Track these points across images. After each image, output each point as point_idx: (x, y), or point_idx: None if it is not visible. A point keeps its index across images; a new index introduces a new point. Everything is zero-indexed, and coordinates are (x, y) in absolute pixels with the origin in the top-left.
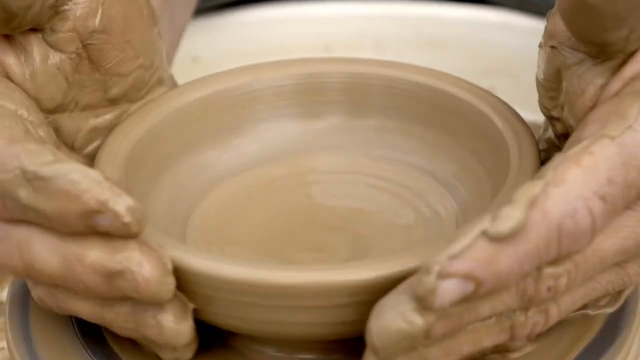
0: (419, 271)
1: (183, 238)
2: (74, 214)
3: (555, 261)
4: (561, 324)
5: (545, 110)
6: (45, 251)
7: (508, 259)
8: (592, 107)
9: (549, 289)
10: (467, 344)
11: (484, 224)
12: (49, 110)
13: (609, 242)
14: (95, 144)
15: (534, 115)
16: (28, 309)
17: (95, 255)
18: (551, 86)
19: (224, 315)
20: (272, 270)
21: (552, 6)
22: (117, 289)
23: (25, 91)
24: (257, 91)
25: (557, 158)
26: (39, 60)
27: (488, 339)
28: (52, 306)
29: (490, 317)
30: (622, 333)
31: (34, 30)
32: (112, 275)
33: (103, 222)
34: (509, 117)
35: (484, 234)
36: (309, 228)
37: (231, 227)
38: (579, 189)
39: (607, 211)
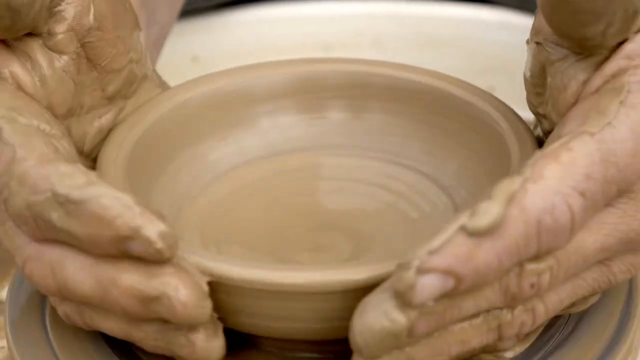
0: (399, 267)
1: (182, 236)
2: (106, 238)
3: (536, 257)
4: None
5: (532, 107)
6: (79, 272)
7: (487, 254)
8: (574, 103)
9: (532, 285)
10: (455, 344)
11: (463, 219)
12: (62, 116)
13: (591, 239)
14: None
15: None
16: (29, 308)
17: (130, 279)
18: (537, 82)
19: (253, 322)
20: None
21: None
22: (153, 313)
23: (38, 99)
24: (257, 91)
25: (537, 155)
26: (46, 65)
27: (476, 339)
28: (79, 323)
29: (474, 314)
30: (622, 332)
31: (32, 36)
32: (149, 300)
33: (135, 247)
34: (509, 116)
35: (463, 229)
36: (309, 227)
37: (231, 226)
38: (558, 185)
39: (586, 207)
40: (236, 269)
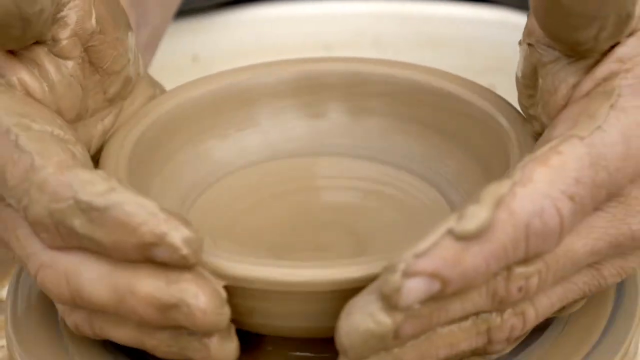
0: (386, 270)
1: None
2: (130, 245)
3: (525, 261)
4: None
5: (524, 108)
6: (94, 280)
7: (474, 257)
8: (564, 106)
9: (519, 289)
10: (444, 347)
11: (450, 222)
12: (71, 121)
13: (580, 243)
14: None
15: None
16: (28, 307)
17: (149, 286)
18: (528, 84)
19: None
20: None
21: None
22: (171, 320)
23: (47, 105)
24: (257, 90)
25: (526, 158)
26: (53, 71)
27: (465, 343)
28: (88, 333)
29: (462, 318)
30: (622, 331)
31: (37, 44)
32: (167, 308)
33: (160, 254)
34: (510, 114)
35: (450, 232)
36: (309, 227)
37: (230, 226)
38: (547, 189)
39: (575, 211)
40: (256, 270)
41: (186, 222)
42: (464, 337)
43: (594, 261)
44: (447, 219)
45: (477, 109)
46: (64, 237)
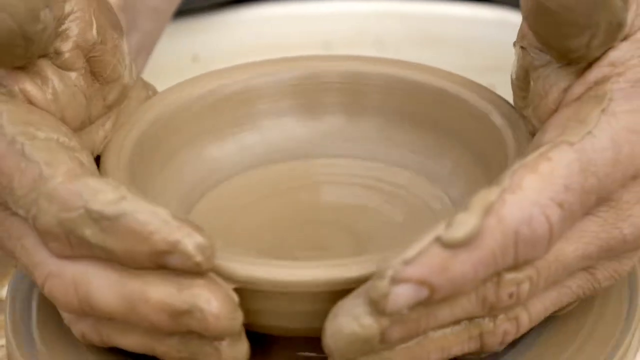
0: (374, 275)
1: None
2: (143, 253)
3: (515, 267)
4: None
5: (519, 109)
6: (104, 288)
7: (462, 265)
8: (555, 110)
9: (510, 295)
10: (435, 350)
11: (439, 229)
12: (75, 130)
13: (571, 248)
14: None
15: None
16: (28, 307)
17: (160, 293)
18: (522, 86)
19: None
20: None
21: None
22: (183, 326)
23: (51, 113)
24: (257, 89)
25: (516, 164)
26: (57, 81)
27: (457, 347)
28: (95, 341)
29: (452, 323)
30: (623, 332)
31: (41, 57)
32: (180, 314)
33: (173, 261)
34: (509, 114)
35: (438, 240)
36: (309, 227)
37: (230, 225)
38: (536, 196)
39: (564, 218)
40: (263, 271)
41: (198, 229)
42: (456, 341)
43: (588, 265)
44: (436, 225)
45: (475, 107)
46: (74, 246)
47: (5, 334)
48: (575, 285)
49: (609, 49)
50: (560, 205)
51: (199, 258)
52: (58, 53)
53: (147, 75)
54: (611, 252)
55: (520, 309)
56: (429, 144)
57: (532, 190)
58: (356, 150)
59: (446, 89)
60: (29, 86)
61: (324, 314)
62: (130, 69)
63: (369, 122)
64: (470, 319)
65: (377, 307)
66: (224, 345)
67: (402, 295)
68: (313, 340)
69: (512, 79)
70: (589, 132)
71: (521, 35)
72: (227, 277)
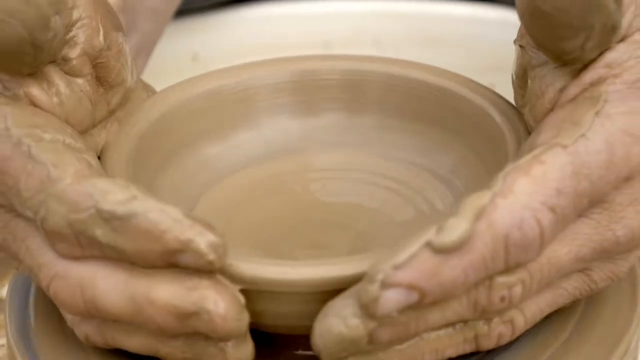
0: (364, 278)
1: None
2: (155, 252)
3: (506, 271)
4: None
5: (519, 107)
6: (110, 290)
7: (453, 269)
8: (551, 110)
9: (502, 298)
10: (429, 352)
11: (430, 234)
12: (79, 134)
13: (564, 250)
14: None
15: None
16: (28, 306)
17: (167, 295)
18: (521, 84)
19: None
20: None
21: None
22: (190, 328)
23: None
24: (256, 88)
25: (508, 166)
26: (63, 86)
27: (451, 349)
28: (99, 342)
29: (444, 325)
30: (622, 332)
31: (48, 63)
32: (187, 316)
33: (185, 260)
34: (508, 112)
35: (429, 244)
36: (309, 225)
37: (230, 223)
38: (527, 199)
39: (556, 221)
40: (266, 271)
41: (210, 227)
42: (450, 343)
43: (583, 267)
44: (426, 229)
45: (475, 105)
46: (84, 247)
47: (5, 333)
48: (571, 287)
49: (606, 50)
50: (552, 208)
51: (211, 256)
52: (66, 59)
53: (147, 75)
54: (605, 254)
55: (516, 312)
56: (430, 142)
57: (523, 194)
58: (356, 147)
59: (446, 87)
60: (35, 90)
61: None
62: (132, 71)
63: (369, 120)
64: (464, 321)
65: (367, 310)
66: (229, 346)
67: (392, 299)
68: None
69: (512, 77)
70: (583, 135)
71: (520, 34)
72: (233, 278)
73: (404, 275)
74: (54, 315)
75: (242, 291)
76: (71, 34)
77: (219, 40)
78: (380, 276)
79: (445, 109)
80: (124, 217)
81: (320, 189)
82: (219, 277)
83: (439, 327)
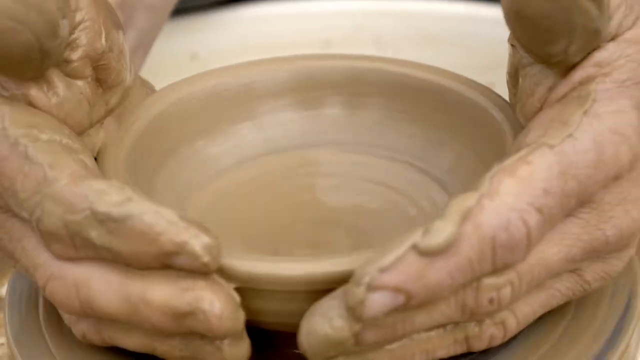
0: (351, 280)
1: None
2: (150, 254)
3: (494, 272)
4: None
5: (512, 106)
6: (106, 290)
7: (439, 272)
8: (540, 109)
9: (490, 300)
10: (420, 353)
11: (416, 236)
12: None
13: (553, 250)
14: None
15: None
16: (28, 305)
17: (162, 295)
18: (513, 83)
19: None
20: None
21: None
22: (185, 327)
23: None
24: (256, 87)
25: (495, 167)
26: (63, 87)
27: (442, 350)
28: (96, 341)
29: (434, 327)
30: (622, 328)
31: None
32: (182, 316)
33: (180, 262)
34: (508, 111)
35: (415, 247)
36: (307, 223)
37: (228, 221)
38: (514, 201)
39: (543, 222)
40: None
41: (205, 229)
42: (441, 344)
43: (574, 267)
44: (413, 232)
45: (474, 104)
46: (79, 248)
47: (5, 332)
48: (564, 288)
49: (595, 49)
50: (539, 209)
51: (206, 258)
52: (67, 62)
53: (145, 74)
54: (595, 253)
55: (507, 313)
56: (429, 141)
57: (510, 195)
58: (355, 147)
59: (445, 86)
60: (34, 91)
61: None
62: (130, 69)
63: (369, 118)
64: (455, 323)
65: (353, 313)
66: (226, 344)
67: (378, 302)
68: None
69: (506, 76)
70: (570, 135)
71: (511, 34)
72: (228, 276)
73: (389, 278)
74: (54, 314)
75: (238, 289)
76: (73, 36)
77: (218, 39)
78: (366, 279)
79: (445, 108)
80: (119, 219)
81: (319, 188)
82: (214, 276)
83: (428, 329)
